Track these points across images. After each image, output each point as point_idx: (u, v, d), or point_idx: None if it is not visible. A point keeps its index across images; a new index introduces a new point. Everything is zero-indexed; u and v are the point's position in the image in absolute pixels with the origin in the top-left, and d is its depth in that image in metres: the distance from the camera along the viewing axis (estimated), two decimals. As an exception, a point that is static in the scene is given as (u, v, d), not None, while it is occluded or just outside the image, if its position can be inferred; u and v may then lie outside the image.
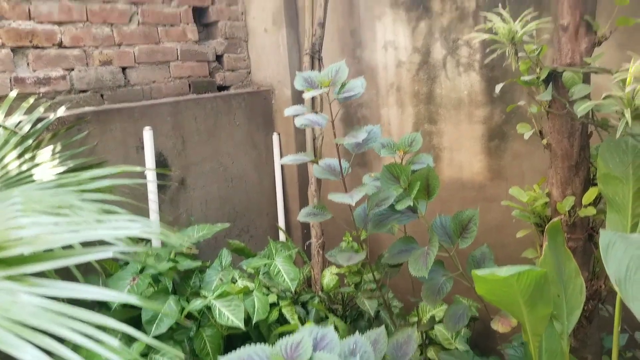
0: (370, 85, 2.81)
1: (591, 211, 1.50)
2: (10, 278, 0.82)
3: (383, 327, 1.29)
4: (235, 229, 2.77)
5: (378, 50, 2.77)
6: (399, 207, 1.43)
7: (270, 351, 0.90)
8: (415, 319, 2.13)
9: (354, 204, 1.39)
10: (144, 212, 2.08)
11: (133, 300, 0.83)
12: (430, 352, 2.03)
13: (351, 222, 1.70)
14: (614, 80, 1.24)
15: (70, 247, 0.94)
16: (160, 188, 2.31)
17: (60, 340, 0.72)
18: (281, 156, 3.01)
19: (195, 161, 2.53)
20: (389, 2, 2.66)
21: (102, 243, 0.96)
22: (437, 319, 2.03)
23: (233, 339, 1.84)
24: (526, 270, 1.24)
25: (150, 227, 0.99)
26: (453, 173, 2.69)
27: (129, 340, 1.51)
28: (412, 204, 1.48)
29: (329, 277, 2.14)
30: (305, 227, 2.93)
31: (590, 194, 1.51)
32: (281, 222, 2.97)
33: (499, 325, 1.45)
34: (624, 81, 1.27)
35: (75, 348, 0.80)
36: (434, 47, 2.62)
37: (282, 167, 3.01)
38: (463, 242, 1.51)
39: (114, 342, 0.72)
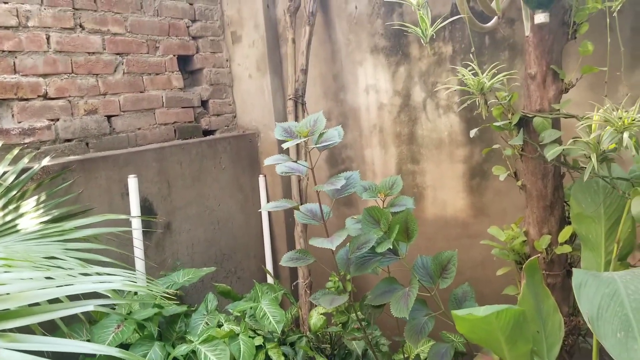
0: (353, 126, 2.89)
1: (567, 249, 1.54)
2: (-9, 335, 0.83)
3: (366, 371, 1.30)
4: (222, 271, 2.76)
5: (360, 93, 2.85)
6: (380, 249, 1.46)
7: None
8: (402, 356, 2.13)
9: (334, 249, 1.42)
10: (129, 259, 2.08)
11: (114, 352, 0.84)
12: (419, 392, 2.02)
13: (335, 264, 1.72)
14: (579, 126, 1.31)
15: (53, 299, 0.95)
16: (146, 233, 2.32)
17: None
18: (267, 197, 3.05)
19: (181, 205, 2.55)
20: (369, 48, 2.76)
21: (85, 294, 0.97)
22: (422, 356, 2.02)
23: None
24: (505, 309, 1.27)
25: (133, 278, 1.00)
26: (437, 211, 2.74)
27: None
28: (392, 247, 1.51)
29: (316, 317, 2.14)
30: (294, 268, 2.93)
31: (566, 233, 1.56)
32: (269, 263, 2.98)
33: (482, 365, 1.46)
34: (590, 127, 1.33)
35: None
36: (413, 90, 2.71)
37: (268, 208, 3.03)
38: (443, 282, 1.54)
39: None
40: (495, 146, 1.80)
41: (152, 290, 1.15)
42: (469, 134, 2.52)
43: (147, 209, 2.36)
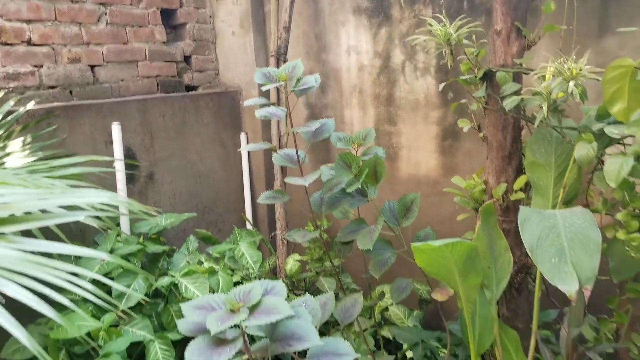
0: (334, 87, 2.97)
1: (520, 195, 1.68)
2: (-10, 237, 0.93)
3: (332, 292, 1.43)
4: (203, 223, 2.87)
5: (342, 54, 2.92)
6: (349, 189, 1.58)
7: (225, 297, 1.02)
8: (368, 301, 2.28)
9: (307, 185, 1.53)
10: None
11: (103, 255, 0.94)
12: (385, 331, 2.18)
13: (312, 211, 1.83)
14: (533, 77, 1.42)
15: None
16: (130, 180, 2.40)
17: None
18: (249, 155, 3.13)
19: (164, 157, 2.63)
20: (352, 9, 2.82)
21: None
22: (386, 294, 2.18)
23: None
24: (458, 241, 1.40)
25: (117, 199, 1.10)
26: (411, 170, 2.86)
27: (100, 312, 1.61)
28: (360, 187, 1.63)
29: (291, 263, 2.27)
30: (271, 220, 3.05)
31: (520, 181, 1.69)
32: (248, 217, 3.09)
33: (438, 295, 1.61)
34: (544, 77, 1.45)
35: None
36: (393, 52, 2.79)
37: (250, 164, 3.13)
38: (406, 221, 1.67)
39: (88, 285, 0.83)
40: (462, 101, 1.91)
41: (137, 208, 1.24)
42: (444, 96, 2.66)
43: (130, 158, 2.44)
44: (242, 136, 3.10)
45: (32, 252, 0.91)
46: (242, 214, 3.02)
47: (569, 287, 1.19)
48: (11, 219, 0.96)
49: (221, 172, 2.98)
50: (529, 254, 1.27)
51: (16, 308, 0.86)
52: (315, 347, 1.12)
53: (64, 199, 1.00)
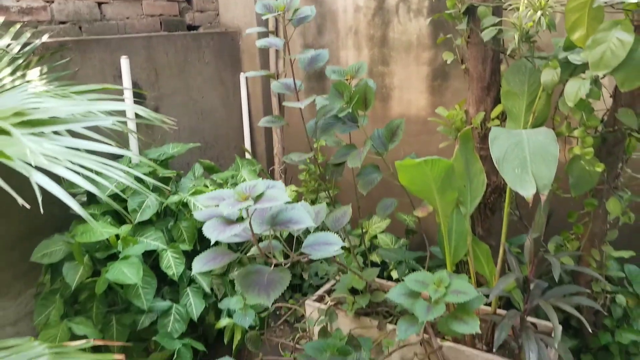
0: (330, 28, 3.07)
1: (497, 123, 1.85)
2: (33, 134, 1.10)
3: (325, 203, 1.63)
4: (205, 158, 3.04)
5: (338, -6, 3.01)
6: (341, 114, 1.75)
7: (234, 190, 1.21)
8: (360, 231, 2.49)
9: (302, 107, 1.70)
10: (123, 132, 2.33)
11: (129, 153, 1.12)
12: (373, 256, 2.40)
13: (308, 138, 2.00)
14: (508, 8, 1.56)
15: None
16: (137, 115, 2.55)
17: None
18: (248, 95, 3.27)
19: (168, 93, 2.77)
20: (348, -51, 2.89)
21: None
22: (378, 231, 2.40)
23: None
24: (437, 159, 1.59)
25: (136, 108, 1.26)
26: (402, 109, 3.01)
27: (118, 222, 1.81)
28: (351, 113, 1.79)
29: (289, 193, 2.46)
30: (270, 157, 3.23)
31: (497, 110, 1.86)
32: (248, 155, 3.26)
33: (419, 212, 1.81)
34: (518, 9, 1.59)
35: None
36: (388, -7, 2.88)
37: (249, 104, 3.27)
38: (391, 144, 1.84)
39: (120, 172, 1.02)
40: (448, 35, 2.05)
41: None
42: (435, 37, 2.77)
43: (136, 93, 2.58)
44: (242, 75, 3.23)
45: (70, 148, 1.09)
46: (242, 145, 3.19)
47: (527, 192, 1.39)
48: (52, 120, 1.14)
49: (222, 111, 3.13)
50: (496, 166, 1.45)
51: (46, 219, 1.05)
52: (310, 238, 1.32)
53: (93, 106, 1.17)
